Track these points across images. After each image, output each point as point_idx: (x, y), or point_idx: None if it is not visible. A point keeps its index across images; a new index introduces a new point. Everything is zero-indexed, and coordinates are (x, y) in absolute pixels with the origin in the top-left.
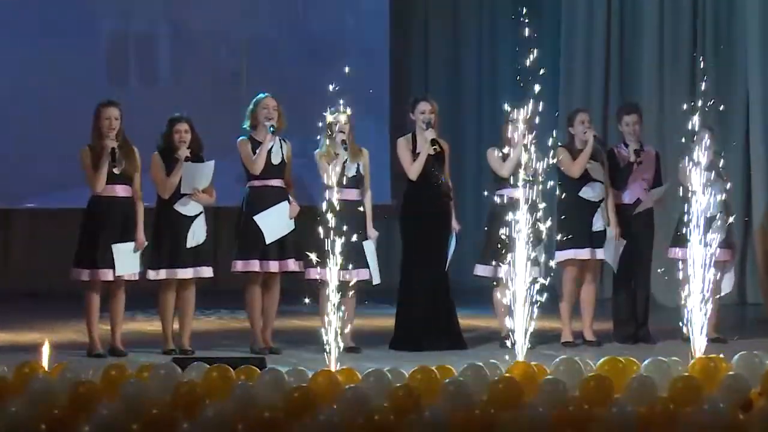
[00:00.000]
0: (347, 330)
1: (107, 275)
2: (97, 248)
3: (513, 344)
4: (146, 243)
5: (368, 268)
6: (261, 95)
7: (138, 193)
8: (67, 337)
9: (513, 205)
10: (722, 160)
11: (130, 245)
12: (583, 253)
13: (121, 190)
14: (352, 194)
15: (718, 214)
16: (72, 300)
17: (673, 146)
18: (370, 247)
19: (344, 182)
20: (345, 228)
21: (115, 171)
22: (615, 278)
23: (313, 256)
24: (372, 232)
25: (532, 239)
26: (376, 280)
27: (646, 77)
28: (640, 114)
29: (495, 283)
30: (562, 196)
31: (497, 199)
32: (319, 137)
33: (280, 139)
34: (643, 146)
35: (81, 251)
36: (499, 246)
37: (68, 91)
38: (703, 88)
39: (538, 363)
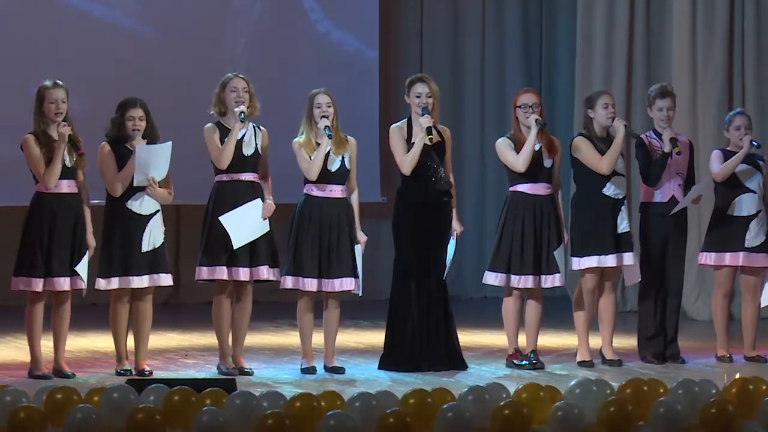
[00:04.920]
0: (329, 347)
1: (63, 284)
2: (43, 254)
3: (521, 363)
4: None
5: (353, 277)
6: (229, 75)
7: (84, 188)
8: (5, 355)
9: (531, 201)
10: (760, 151)
11: (86, 258)
12: (609, 260)
13: (66, 186)
14: (336, 191)
15: (758, 213)
16: (11, 311)
17: (705, 135)
18: (357, 254)
19: (327, 177)
20: (327, 230)
21: (67, 163)
22: (641, 287)
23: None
24: (360, 236)
25: (551, 241)
26: (358, 292)
27: (676, 56)
28: (674, 98)
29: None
30: (581, 193)
31: (513, 196)
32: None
33: (254, 126)
34: (678, 135)
35: (23, 257)
36: (513, 250)
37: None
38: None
39: (550, 385)
